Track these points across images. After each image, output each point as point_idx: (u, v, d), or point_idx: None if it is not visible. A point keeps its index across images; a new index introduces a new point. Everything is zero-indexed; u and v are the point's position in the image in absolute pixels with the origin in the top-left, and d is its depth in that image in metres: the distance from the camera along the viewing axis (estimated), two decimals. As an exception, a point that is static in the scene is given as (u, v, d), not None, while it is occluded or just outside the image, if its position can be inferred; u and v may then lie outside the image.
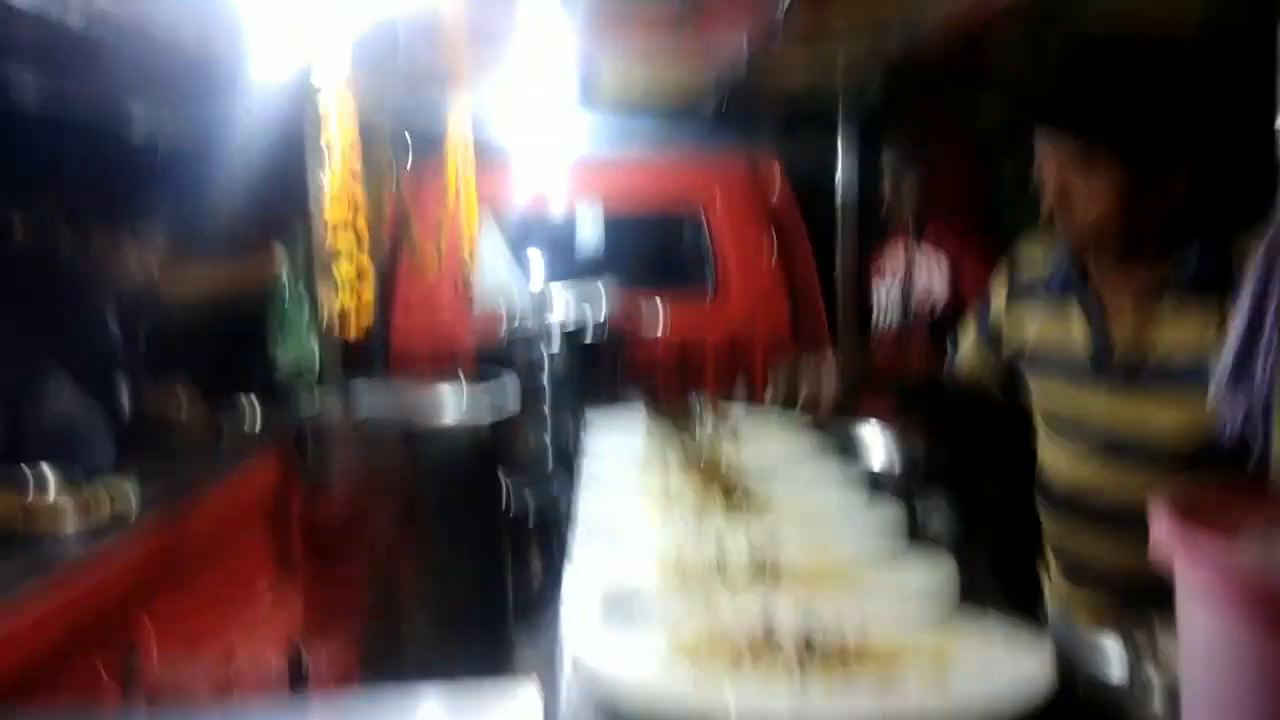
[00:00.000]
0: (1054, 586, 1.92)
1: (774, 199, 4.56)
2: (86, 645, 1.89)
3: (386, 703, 1.34)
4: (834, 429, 2.44)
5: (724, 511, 1.74)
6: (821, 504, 1.81)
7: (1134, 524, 1.62)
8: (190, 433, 3.34)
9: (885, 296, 3.46)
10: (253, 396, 3.47)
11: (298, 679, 1.75)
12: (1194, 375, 1.55)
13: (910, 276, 3.16)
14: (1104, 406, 1.72)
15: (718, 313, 4.56)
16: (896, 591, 1.40)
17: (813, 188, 4.27)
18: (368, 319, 2.04)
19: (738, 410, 2.91)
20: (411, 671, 2.34)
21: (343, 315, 1.99)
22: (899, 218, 3.43)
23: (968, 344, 2.11)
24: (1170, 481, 1.58)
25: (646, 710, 1.06)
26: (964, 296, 3.02)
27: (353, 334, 2.09)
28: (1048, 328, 1.84)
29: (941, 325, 3.05)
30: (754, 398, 3.43)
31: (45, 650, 1.82)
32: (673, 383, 4.28)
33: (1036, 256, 1.93)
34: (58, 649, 1.85)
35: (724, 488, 1.83)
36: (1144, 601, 1.61)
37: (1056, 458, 1.84)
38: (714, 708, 1.05)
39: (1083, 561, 1.82)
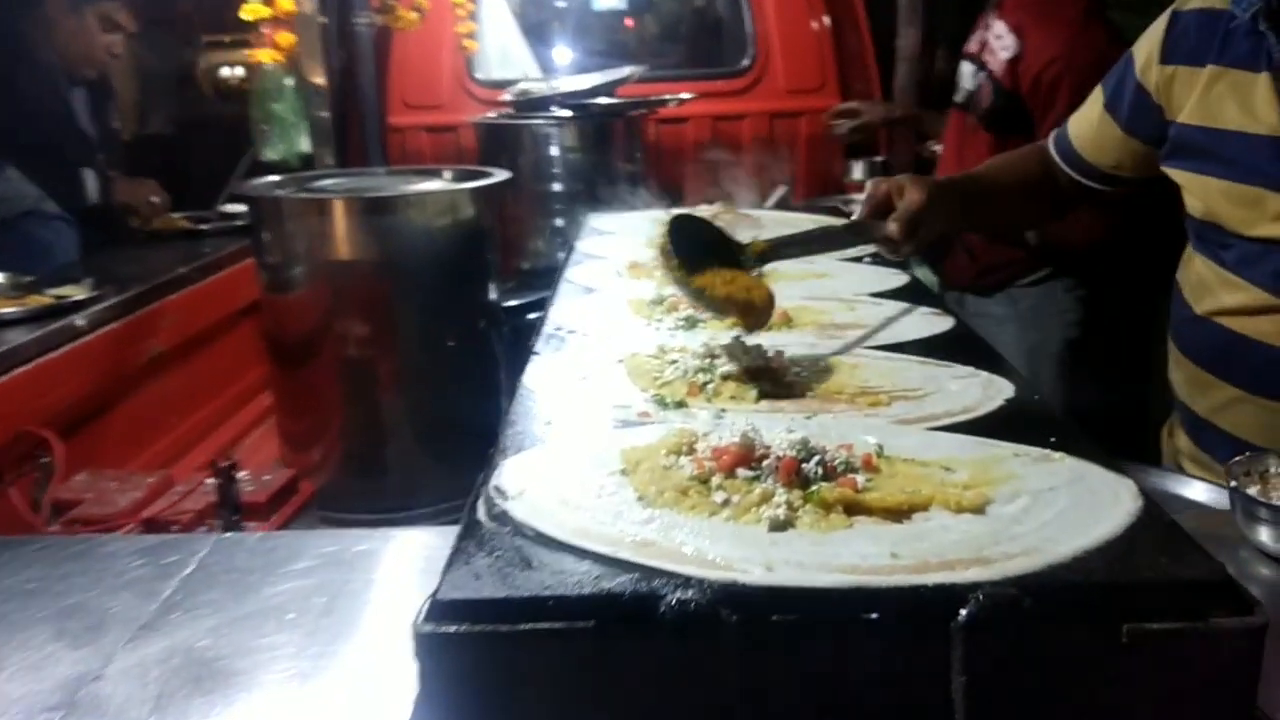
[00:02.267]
0: (1182, 454, 1.60)
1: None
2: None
3: (301, 543, 1.14)
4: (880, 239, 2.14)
5: (722, 324, 1.46)
6: (852, 317, 1.51)
7: None
8: (160, 232, 3.15)
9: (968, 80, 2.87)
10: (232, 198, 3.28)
11: (228, 505, 1.57)
12: None
13: (982, 55, 2.61)
14: None
15: (756, 91, 4.12)
16: (932, 417, 1.12)
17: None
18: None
19: (771, 210, 2.60)
20: (382, 496, 2.19)
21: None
22: None
23: (1088, 121, 1.63)
24: None
25: (561, 557, 0.82)
26: (1020, 81, 2.46)
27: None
28: (1218, 101, 1.37)
29: (995, 116, 2.55)
30: (791, 195, 3.10)
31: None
32: (702, 175, 3.93)
33: None
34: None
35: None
36: None
37: (1213, 289, 1.44)
38: (647, 558, 0.81)
39: (1225, 433, 1.45)
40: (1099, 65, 1.68)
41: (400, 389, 2.23)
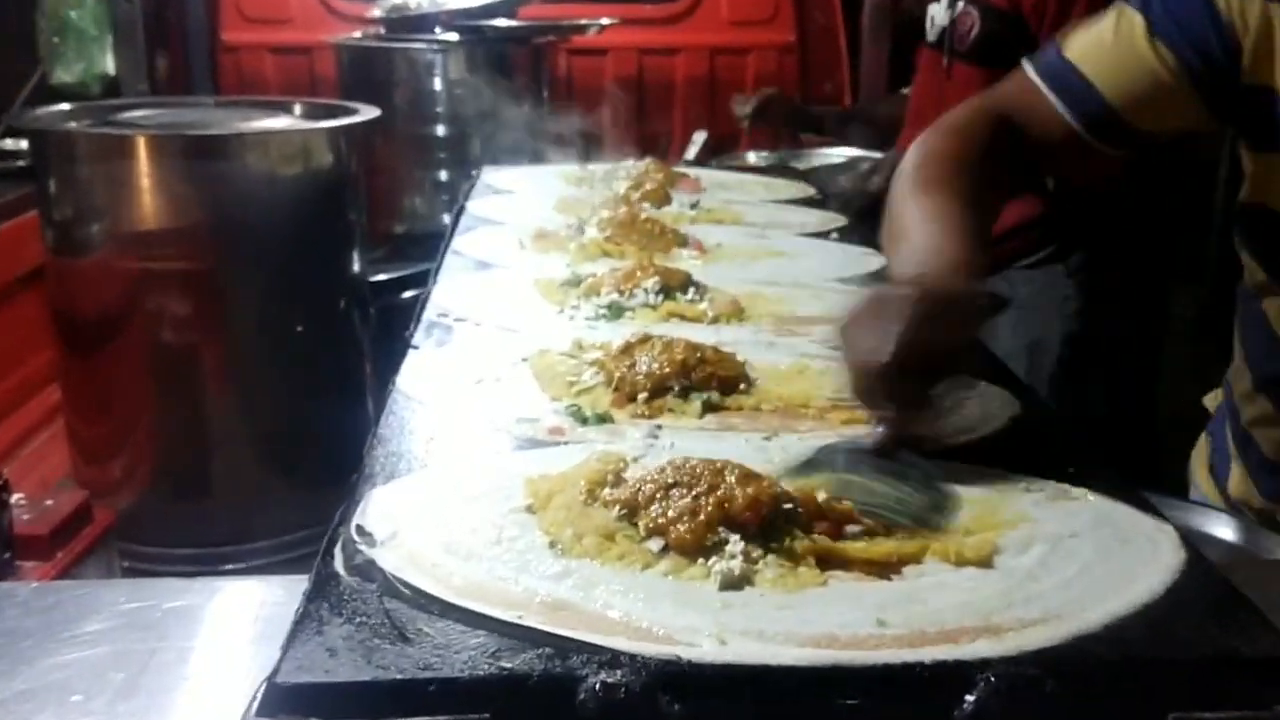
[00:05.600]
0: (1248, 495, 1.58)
1: None
2: None
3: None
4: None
5: (656, 314, 1.44)
6: (818, 309, 1.49)
7: None
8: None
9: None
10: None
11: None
12: None
13: None
14: None
15: (693, 20, 4.11)
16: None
17: None
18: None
19: (708, 169, 2.59)
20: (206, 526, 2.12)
21: None
22: None
23: (1105, 47, 1.38)
24: None
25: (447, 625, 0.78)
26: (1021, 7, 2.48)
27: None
28: None
29: (987, 44, 2.58)
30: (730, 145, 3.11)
31: None
32: (625, 122, 3.91)
33: None
34: None
35: (664, 280, 1.49)
36: None
37: None
38: (561, 626, 0.77)
39: None
40: None
41: (231, 386, 2.16)
